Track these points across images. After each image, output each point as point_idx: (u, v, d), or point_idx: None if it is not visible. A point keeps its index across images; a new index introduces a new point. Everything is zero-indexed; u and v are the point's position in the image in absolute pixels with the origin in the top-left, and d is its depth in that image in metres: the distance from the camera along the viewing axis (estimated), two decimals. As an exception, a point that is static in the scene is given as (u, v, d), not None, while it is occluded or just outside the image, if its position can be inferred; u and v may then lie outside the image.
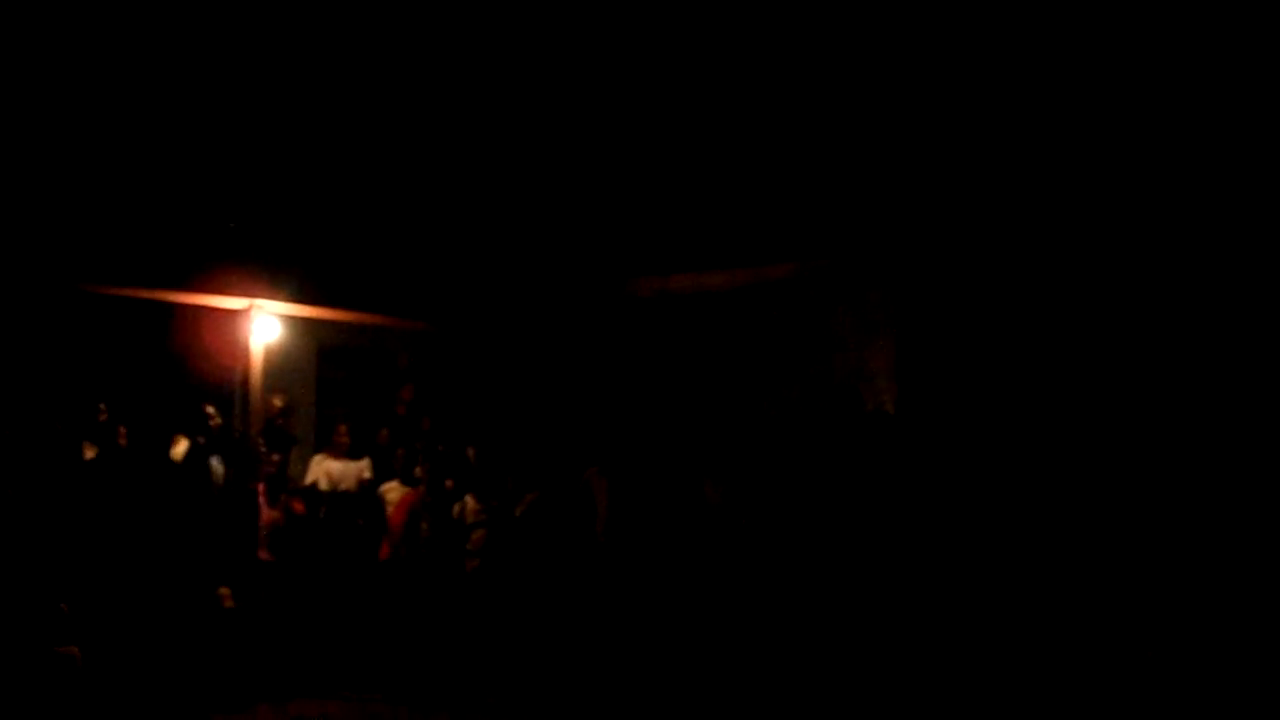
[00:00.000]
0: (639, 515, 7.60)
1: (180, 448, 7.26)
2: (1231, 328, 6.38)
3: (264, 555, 7.31)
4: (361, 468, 7.98)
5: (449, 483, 7.88)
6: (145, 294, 7.95)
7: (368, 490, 7.88)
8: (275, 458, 7.72)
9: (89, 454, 6.84)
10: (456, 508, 7.77)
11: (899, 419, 7.33)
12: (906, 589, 6.32)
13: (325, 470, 7.88)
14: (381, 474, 7.94)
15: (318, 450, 8.20)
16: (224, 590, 6.91)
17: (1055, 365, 7.02)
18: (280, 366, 8.48)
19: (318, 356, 9.39)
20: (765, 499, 7.19)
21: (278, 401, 8.09)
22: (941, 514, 6.56)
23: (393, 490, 7.84)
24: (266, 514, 7.40)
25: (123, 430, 6.98)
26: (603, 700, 6.59)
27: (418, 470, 7.88)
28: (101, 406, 7.05)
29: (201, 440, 7.25)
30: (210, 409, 7.49)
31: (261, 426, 7.96)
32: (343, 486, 7.85)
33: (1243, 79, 6.37)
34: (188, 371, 8.25)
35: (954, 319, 7.57)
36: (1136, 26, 6.65)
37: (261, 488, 7.43)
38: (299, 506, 7.55)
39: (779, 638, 6.59)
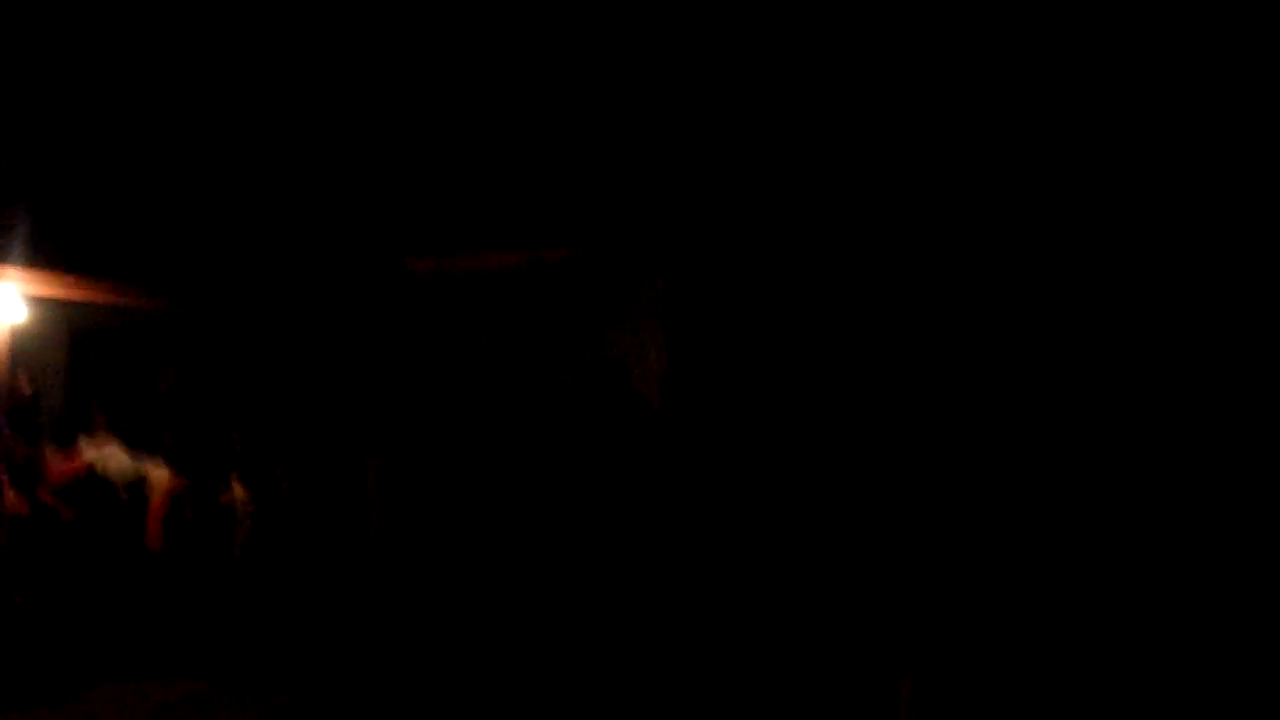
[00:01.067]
0: (412, 499, 7.53)
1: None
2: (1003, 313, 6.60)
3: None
4: (122, 453, 7.60)
5: (216, 469, 7.63)
6: None
7: (131, 476, 7.52)
8: (23, 449, 7.25)
9: None
10: (225, 494, 7.54)
11: (662, 403, 7.45)
12: (662, 577, 6.44)
13: (91, 455, 7.48)
14: (146, 459, 7.59)
15: (73, 436, 7.72)
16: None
17: (820, 355, 7.23)
18: (29, 350, 7.95)
19: (70, 340, 8.86)
20: (538, 481, 7.21)
21: (24, 386, 7.60)
22: (703, 501, 6.66)
23: (157, 476, 7.52)
24: (9, 502, 6.93)
25: None
26: (386, 679, 6.53)
27: (181, 457, 7.59)
28: None
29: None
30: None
31: (6, 408, 7.44)
32: (109, 472, 7.48)
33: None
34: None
35: (723, 307, 7.76)
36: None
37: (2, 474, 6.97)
38: (47, 497, 7.12)
39: (551, 622, 6.64)
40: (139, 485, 7.46)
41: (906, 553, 6.17)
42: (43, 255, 7.42)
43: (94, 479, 7.33)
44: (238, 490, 7.54)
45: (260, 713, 5.93)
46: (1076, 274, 6.30)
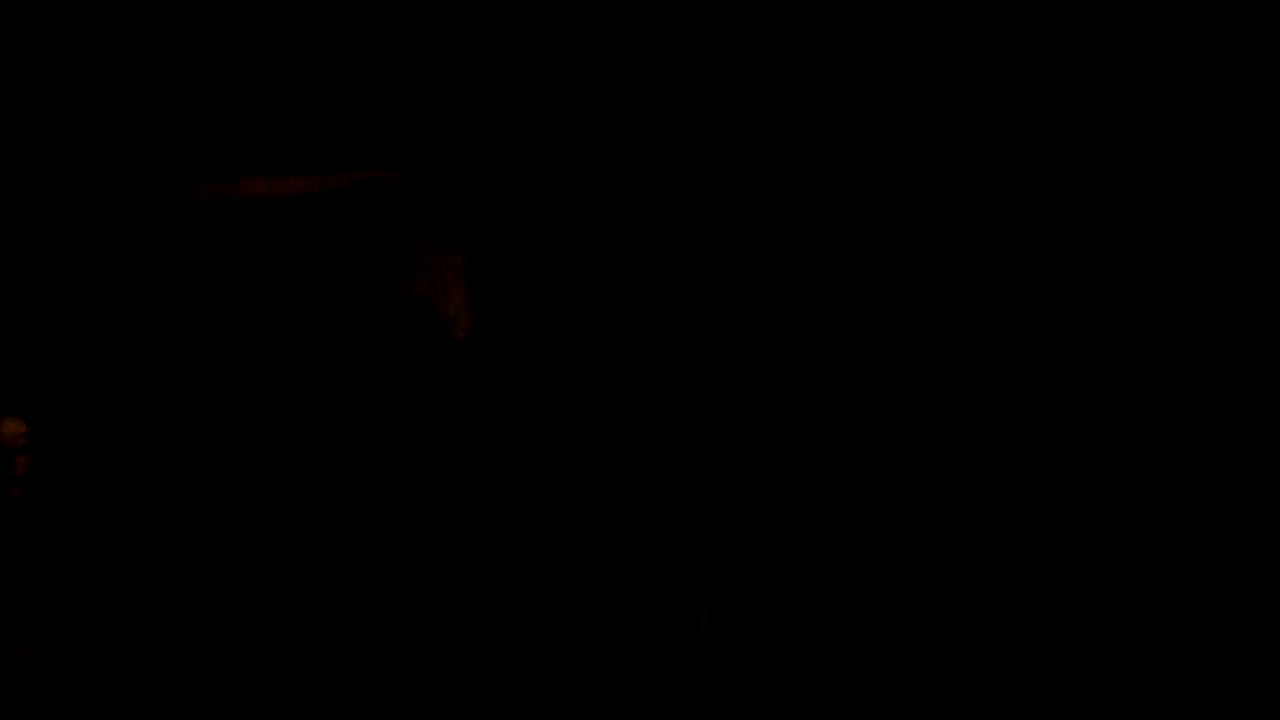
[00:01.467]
0: (208, 437, 7.35)
1: None
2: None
3: None
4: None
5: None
6: None
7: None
8: None
9: None
10: (-4, 431, 7.20)
11: (468, 335, 7.42)
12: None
13: None
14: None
15: None
16: None
17: (620, 279, 7.23)
18: None
19: None
20: (342, 414, 7.13)
21: None
22: (505, 433, 6.64)
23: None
24: None
25: None
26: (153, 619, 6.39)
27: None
28: None
29: None
30: None
31: None
32: None
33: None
34: None
35: (531, 236, 7.70)
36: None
37: None
38: None
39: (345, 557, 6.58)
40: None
41: (705, 477, 6.26)
42: None
43: None
44: (10, 426, 7.20)
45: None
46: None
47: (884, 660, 5.43)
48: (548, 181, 7.69)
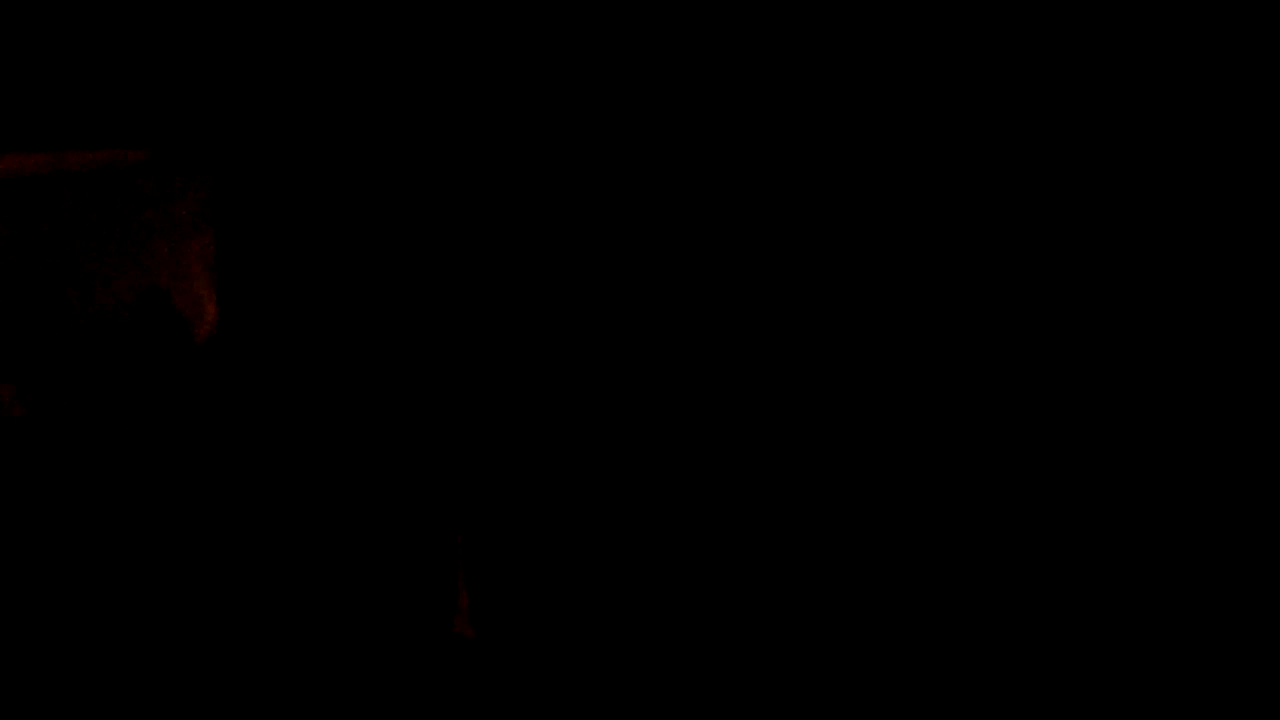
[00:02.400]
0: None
1: None
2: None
3: None
4: None
5: None
6: None
7: None
8: None
9: None
10: None
11: (218, 329, 7.07)
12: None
13: None
14: None
15: None
16: None
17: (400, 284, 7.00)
18: None
19: None
20: (75, 410, 6.73)
21: None
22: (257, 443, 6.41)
23: None
24: None
25: None
26: None
27: None
28: None
29: None
30: None
31: None
32: None
33: None
34: None
35: (286, 220, 7.36)
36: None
37: None
38: None
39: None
40: None
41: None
42: None
43: None
44: None
45: None
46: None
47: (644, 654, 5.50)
48: (310, 162, 7.31)
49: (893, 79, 6.38)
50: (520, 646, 5.60)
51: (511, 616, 5.63)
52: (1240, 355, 6.10)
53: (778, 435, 6.30)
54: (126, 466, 6.75)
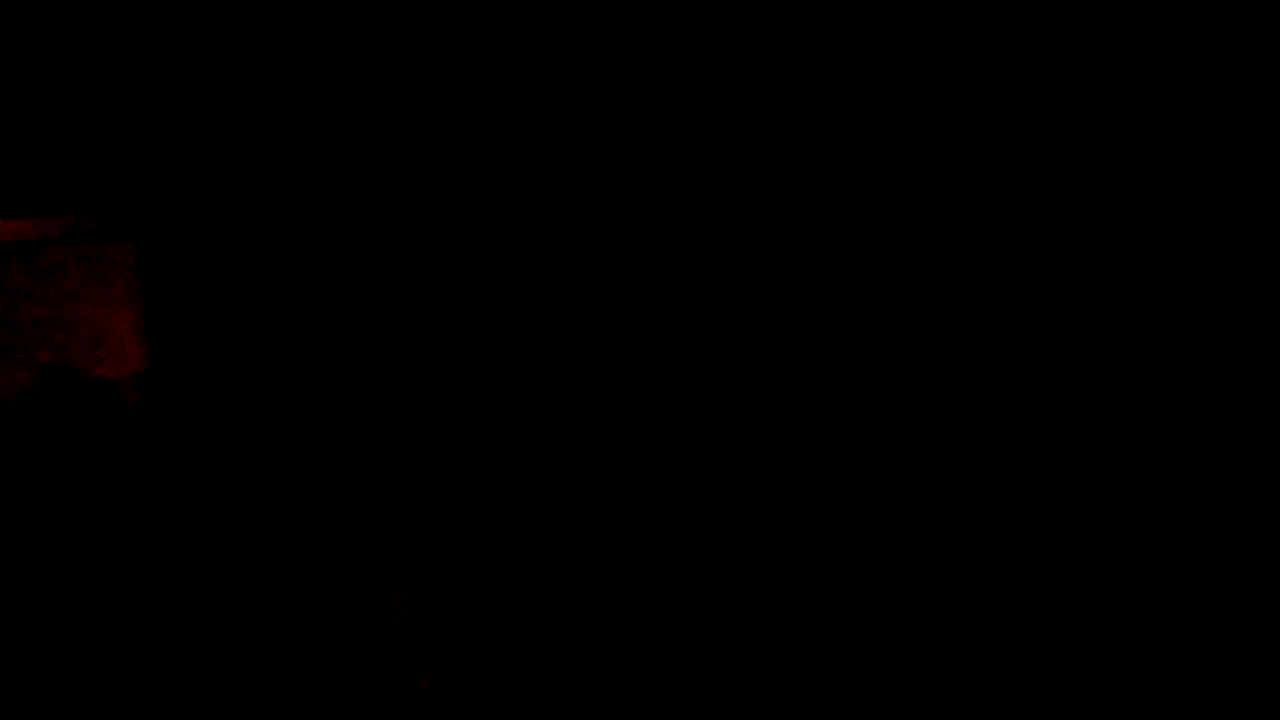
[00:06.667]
0: None
1: None
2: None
3: None
4: None
5: None
6: None
7: None
8: None
9: None
10: None
11: (143, 389, 6.92)
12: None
13: None
14: None
15: None
16: None
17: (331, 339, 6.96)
18: None
19: None
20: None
21: None
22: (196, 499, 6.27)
23: None
24: None
25: None
26: None
27: None
28: None
29: None
30: None
31: None
32: None
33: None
34: None
35: (209, 284, 7.26)
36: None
37: None
38: None
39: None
40: None
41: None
42: None
43: None
44: None
45: None
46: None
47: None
48: (228, 223, 7.23)
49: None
50: (480, 700, 5.48)
51: (472, 669, 5.52)
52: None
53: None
54: (61, 526, 6.61)
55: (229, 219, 7.53)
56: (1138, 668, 5.34)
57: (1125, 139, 6.27)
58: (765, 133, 6.40)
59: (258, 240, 7.51)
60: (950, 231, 6.26)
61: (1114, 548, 5.87)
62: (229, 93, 7.28)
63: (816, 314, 6.28)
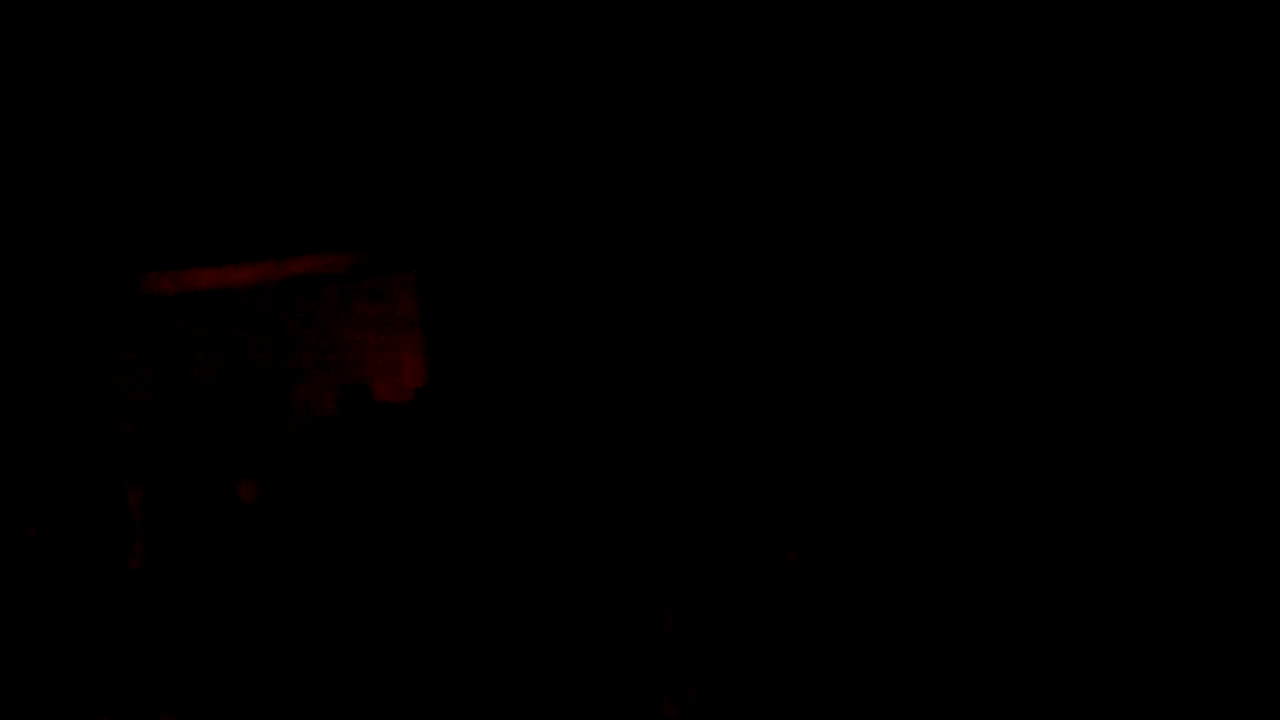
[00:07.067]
0: (177, 521, 7.26)
1: None
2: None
3: None
4: None
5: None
6: None
7: None
8: None
9: None
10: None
11: (420, 412, 7.38)
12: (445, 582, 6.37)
13: None
14: None
15: None
16: None
17: (578, 361, 7.23)
18: None
19: None
20: (300, 496, 7.08)
21: None
22: (471, 508, 6.59)
23: None
24: None
25: None
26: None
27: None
28: None
29: None
30: None
31: None
32: None
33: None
34: None
35: (482, 311, 7.68)
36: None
37: None
38: None
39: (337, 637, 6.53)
40: None
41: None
42: None
43: None
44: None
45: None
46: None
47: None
48: (505, 259, 7.66)
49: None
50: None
51: (720, 696, 5.57)
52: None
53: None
54: (347, 542, 6.92)
55: (500, 253, 7.99)
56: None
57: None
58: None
59: (526, 272, 7.93)
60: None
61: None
62: (504, 142, 7.71)
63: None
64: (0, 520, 7.22)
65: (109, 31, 7.83)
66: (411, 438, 7.16)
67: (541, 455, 6.95)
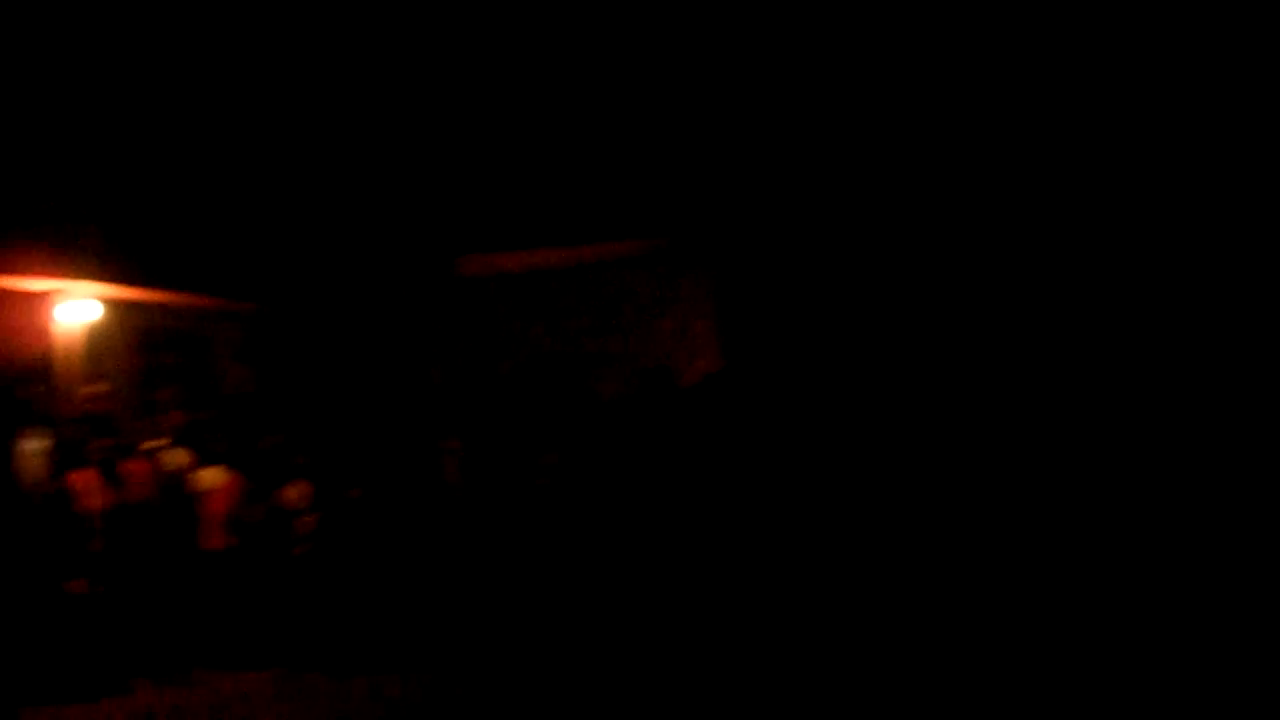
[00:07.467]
0: (490, 487, 7.65)
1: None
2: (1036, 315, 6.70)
3: (96, 543, 6.99)
4: (182, 453, 7.71)
5: (274, 470, 7.75)
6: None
7: (184, 477, 7.62)
8: (102, 444, 7.36)
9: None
10: (282, 494, 7.65)
11: (714, 392, 7.53)
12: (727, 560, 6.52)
13: (160, 457, 7.59)
14: (201, 459, 7.67)
15: (142, 436, 7.85)
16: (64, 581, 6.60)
17: (864, 347, 7.32)
18: (97, 350, 8.16)
19: (139, 339, 9.04)
20: (593, 471, 7.34)
21: (94, 387, 7.79)
22: (755, 487, 6.73)
23: (211, 476, 7.53)
24: (98, 501, 7.08)
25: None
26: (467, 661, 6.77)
27: (239, 458, 7.69)
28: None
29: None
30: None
31: (81, 413, 7.65)
32: (173, 471, 7.58)
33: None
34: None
35: (772, 298, 7.86)
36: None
37: (91, 474, 7.11)
38: (127, 493, 7.23)
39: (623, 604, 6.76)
40: (196, 486, 7.58)
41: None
42: (117, 265, 7.63)
43: (163, 477, 7.45)
44: (295, 490, 7.65)
45: (334, 695, 6.25)
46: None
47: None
48: (805, 254, 7.82)
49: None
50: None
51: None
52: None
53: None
54: (643, 518, 7.06)
55: (790, 240, 8.15)
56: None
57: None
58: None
59: (815, 258, 8.05)
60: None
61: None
62: (803, 136, 7.87)
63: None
64: (329, 481, 7.79)
65: (432, 54, 8.42)
66: (705, 420, 7.32)
67: (827, 441, 7.00)
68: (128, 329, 8.87)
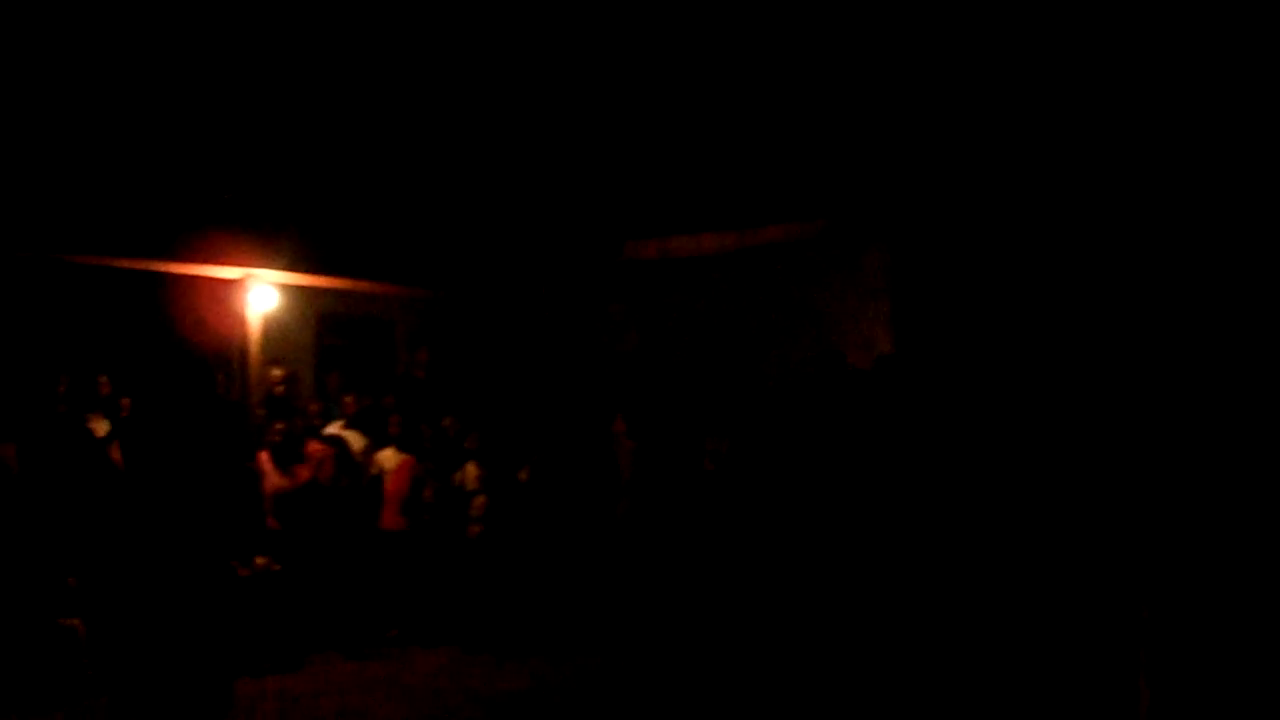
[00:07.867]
0: (658, 472, 7.62)
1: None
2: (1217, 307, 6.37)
3: (271, 523, 7.28)
4: (359, 435, 7.92)
5: (449, 452, 7.89)
6: (134, 264, 7.90)
7: (363, 458, 7.83)
8: (279, 426, 7.65)
9: (100, 430, 6.72)
10: (457, 475, 7.79)
11: (887, 379, 7.28)
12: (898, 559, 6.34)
13: (338, 439, 7.83)
14: (378, 441, 7.85)
15: (322, 418, 8.12)
16: (235, 562, 6.87)
17: (1047, 335, 7.00)
18: (279, 335, 8.48)
19: (317, 324, 9.38)
20: (763, 457, 7.21)
21: (277, 371, 8.09)
22: (931, 479, 6.51)
23: (387, 458, 7.76)
24: (274, 482, 7.36)
25: (126, 403, 6.94)
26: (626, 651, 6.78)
27: (415, 440, 7.86)
28: (103, 380, 7.01)
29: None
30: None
31: (263, 396, 7.96)
32: (351, 453, 7.81)
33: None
34: (184, 343, 8.17)
35: (950, 282, 7.55)
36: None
37: (267, 456, 7.40)
38: (305, 474, 7.50)
39: (786, 601, 6.64)
40: (372, 467, 7.78)
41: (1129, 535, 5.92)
42: (307, 253, 7.93)
43: (340, 460, 7.68)
44: (470, 470, 7.78)
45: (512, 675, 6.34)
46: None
47: None
48: (982, 237, 7.46)
49: None
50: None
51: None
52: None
53: None
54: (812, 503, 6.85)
55: (969, 224, 7.80)
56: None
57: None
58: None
59: (995, 243, 7.69)
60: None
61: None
62: (973, 122, 7.53)
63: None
64: (500, 463, 7.88)
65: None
66: (876, 405, 7.05)
67: (1000, 436, 6.63)
68: (309, 314, 9.19)
